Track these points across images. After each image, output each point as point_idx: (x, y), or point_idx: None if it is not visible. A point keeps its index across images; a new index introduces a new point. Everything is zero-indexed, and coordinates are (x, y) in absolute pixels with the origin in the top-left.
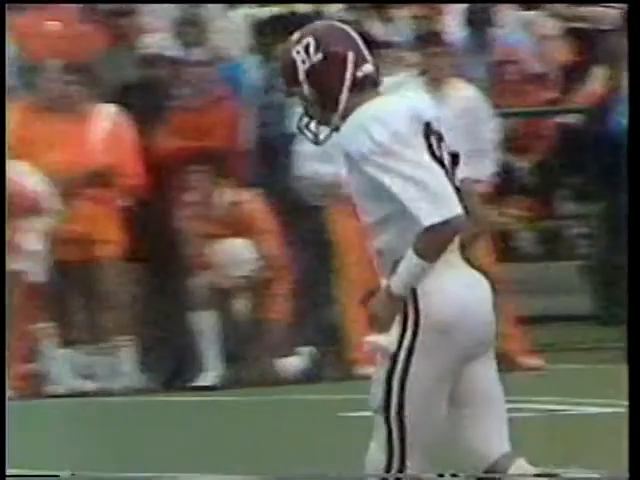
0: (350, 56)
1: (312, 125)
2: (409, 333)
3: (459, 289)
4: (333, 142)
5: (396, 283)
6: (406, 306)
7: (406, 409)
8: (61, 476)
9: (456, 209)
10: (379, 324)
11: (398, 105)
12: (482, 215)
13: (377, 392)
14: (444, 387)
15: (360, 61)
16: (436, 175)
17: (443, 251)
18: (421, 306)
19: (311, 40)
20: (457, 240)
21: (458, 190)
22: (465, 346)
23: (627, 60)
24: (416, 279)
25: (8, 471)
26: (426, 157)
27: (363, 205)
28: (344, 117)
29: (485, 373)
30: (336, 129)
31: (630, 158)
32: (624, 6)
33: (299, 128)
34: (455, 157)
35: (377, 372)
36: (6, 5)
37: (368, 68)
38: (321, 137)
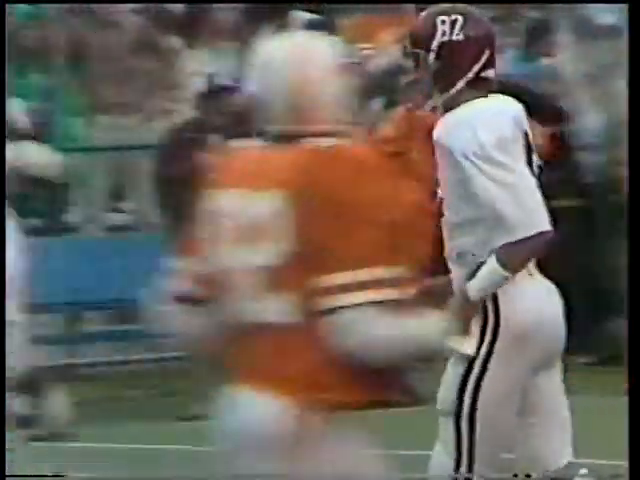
0: (486, 54)
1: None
2: (488, 338)
3: (538, 297)
4: (435, 140)
5: (474, 289)
6: (486, 311)
7: (478, 414)
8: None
9: (546, 224)
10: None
11: (505, 110)
12: None
13: (449, 395)
14: (516, 394)
15: (489, 64)
16: (531, 186)
17: (527, 264)
18: (502, 312)
19: (460, 19)
20: None
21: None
22: (540, 355)
23: (627, 60)
24: (495, 288)
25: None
26: (523, 166)
27: (452, 203)
28: (445, 103)
29: (552, 383)
30: (433, 109)
31: (630, 158)
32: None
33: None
34: (541, 169)
35: (449, 375)
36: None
37: (491, 74)
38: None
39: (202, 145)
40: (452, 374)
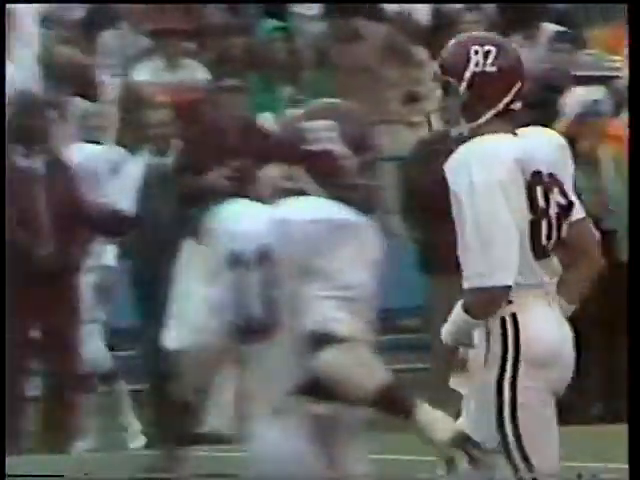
0: (517, 86)
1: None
2: (510, 366)
3: (555, 325)
4: (446, 169)
5: (445, 332)
6: (506, 339)
7: (524, 441)
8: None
9: (505, 280)
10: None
11: (508, 150)
12: (595, 258)
13: (489, 432)
14: (551, 410)
15: (519, 95)
16: (507, 240)
17: (489, 312)
18: (522, 339)
19: (494, 50)
20: (555, 277)
21: (558, 239)
22: (558, 381)
23: (627, 60)
24: (464, 333)
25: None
26: (509, 216)
27: (460, 234)
28: (471, 132)
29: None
30: (459, 135)
31: (630, 158)
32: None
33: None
34: (570, 204)
35: (479, 415)
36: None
37: (518, 106)
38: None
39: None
40: (483, 412)
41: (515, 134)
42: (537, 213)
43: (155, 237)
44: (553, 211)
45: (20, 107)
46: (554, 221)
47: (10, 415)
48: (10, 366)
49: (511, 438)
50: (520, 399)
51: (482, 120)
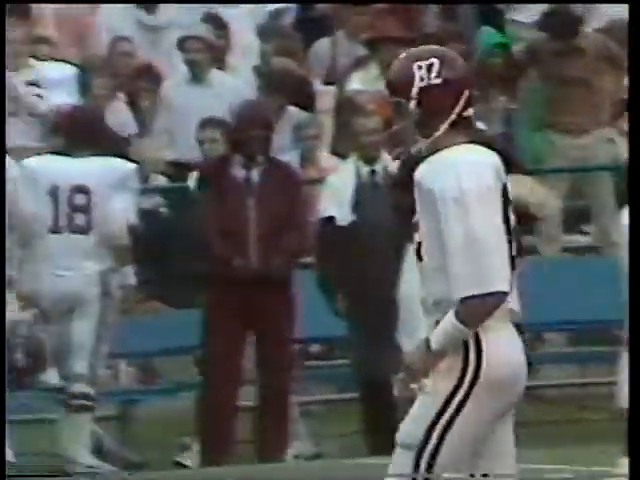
0: (465, 94)
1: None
2: (468, 380)
3: (517, 348)
4: (416, 181)
5: (435, 340)
6: (467, 354)
7: (440, 454)
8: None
9: (500, 286)
10: (412, 375)
11: (487, 160)
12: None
13: (415, 430)
14: (482, 438)
15: (469, 102)
16: (499, 246)
17: (484, 320)
18: (485, 357)
19: (436, 62)
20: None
21: (517, 254)
22: (509, 403)
23: (627, 60)
24: (455, 342)
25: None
26: (499, 222)
27: (429, 248)
28: (431, 148)
29: (506, 430)
30: (418, 153)
31: (630, 159)
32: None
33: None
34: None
35: (419, 410)
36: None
37: (471, 112)
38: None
39: None
40: (423, 411)
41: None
42: (508, 224)
43: (368, 245)
44: (514, 223)
45: (243, 117)
46: (514, 234)
47: (223, 424)
48: (223, 376)
49: (431, 445)
50: (460, 419)
51: (438, 133)
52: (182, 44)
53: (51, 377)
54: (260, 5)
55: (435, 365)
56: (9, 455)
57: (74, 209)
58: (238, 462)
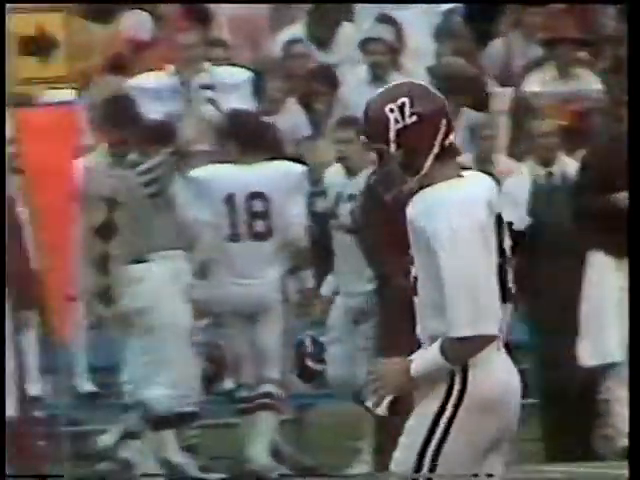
0: (443, 123)
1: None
2: (452, 403)
3: (504, 371)
4: (409, 217)
5: (415, 367)
6: (453, 376)
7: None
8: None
9: (492, 329)
10: (385, 391)
11: (480, 194)
12: None
13: (408, 458)
14: (473, 463)
15: (449, 129)
16: (489, 286)
17: (467, 359)
18: (470, 379)
19: (406, 100)
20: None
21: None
22: (498, 429)
23: (627, 61)
24: (436, 373)
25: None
26: (489, 261)
27: (424, 282)
28: (422, 183)
29: (499, 464)
30: (411, 193)
31: (630, 159)
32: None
33: (370, 184)
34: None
35: (409, 437)
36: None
37: (452, 138)
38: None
39: None
40: (412, 437)
41: (461, 175)
42: (504, 255)
43: (546, 249)
44: (509, 254)
45: None
46: (509, 258)
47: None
48: None
49: (424, 470)
50: (447, 446)
51: (425, 169)
52: (364, 45)
53: (226, 382)
54: (433, 5)
55: (408, 388)
56: (176, 457)
57: (253, 216)
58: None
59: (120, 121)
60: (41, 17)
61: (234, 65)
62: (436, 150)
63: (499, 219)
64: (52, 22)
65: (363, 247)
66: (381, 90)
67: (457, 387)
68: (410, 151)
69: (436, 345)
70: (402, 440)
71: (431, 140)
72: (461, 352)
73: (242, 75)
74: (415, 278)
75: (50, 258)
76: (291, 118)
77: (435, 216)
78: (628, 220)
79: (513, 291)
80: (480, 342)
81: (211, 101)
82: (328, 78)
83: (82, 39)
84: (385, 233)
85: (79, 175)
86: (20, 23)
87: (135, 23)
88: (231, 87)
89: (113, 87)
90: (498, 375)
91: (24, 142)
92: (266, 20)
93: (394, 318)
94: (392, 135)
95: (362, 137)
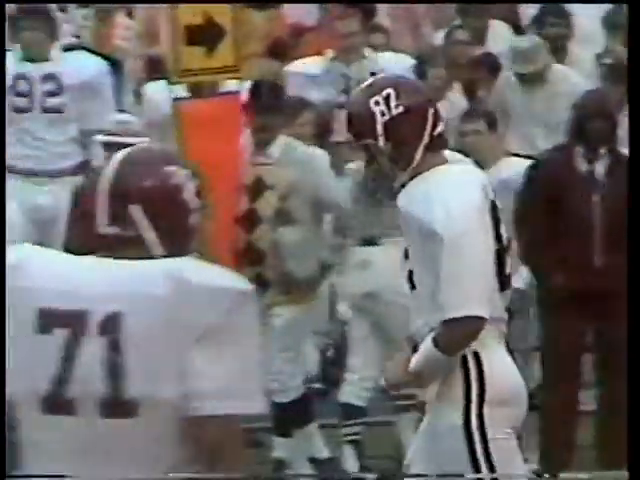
0: (430, 112)
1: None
2: (474, 407)
3: (514, 366)
4: (401, 208)
5: (415, 362)
6: (468, 378)
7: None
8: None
9: (480, 311)
10: (387, 386)
11: (473, 179)
12: None
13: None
14: (515, 442)
15: (437, 119)
16: (484, 270)
17: (460, 349)
18: (486, 376)
19: (392, 92)
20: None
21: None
22: (517, 419)
23: (627, 60)
24: (432, 367)
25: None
26: (486, 245)
27: (420, 274)
28: (412, 175)
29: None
30: (403, 186)
31: (630, 158)
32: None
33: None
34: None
35: (448, 452)
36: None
37: (441, 127)
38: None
39: None
40: (451, 451)
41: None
42: (501, 242)
43: None
44: (505, 244)
45: (586, 107)
46: (507, 248)
47: (564, 428)
48: (563, 375)
49: (485, 471)
50: (490, 437)
51: (416, 161)
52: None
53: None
54: None
55: (413, 384)
56: (323, 452)
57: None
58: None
59: (267, 106)
60: (209, 6)
61: (394, 52)
62: (426, 141)
63: (494, 206)
64: (220, 11)
65: (521, 242)
66: (363, 85)
67: (475, 390)
68: (399, 143)
69: (429, 336)
70: (423, 446)
71: (420, 131)
72: (451, 337)
73: (405, 62)
74: (410, 271)
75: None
76: (454, 106)
77: (430, 200)
78: (628, 220)
79: (511, 278)
80: (469, 325)
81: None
82: (490, 65)
83: (247, 28)
84: (545, 227)
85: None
86: (187, 12)
87: (301, 8)
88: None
89: (272, 71)
90: (513, 371)
91: (191, 134)
92: (426, 7)
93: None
94: (380, 128)
95: (348, 134)
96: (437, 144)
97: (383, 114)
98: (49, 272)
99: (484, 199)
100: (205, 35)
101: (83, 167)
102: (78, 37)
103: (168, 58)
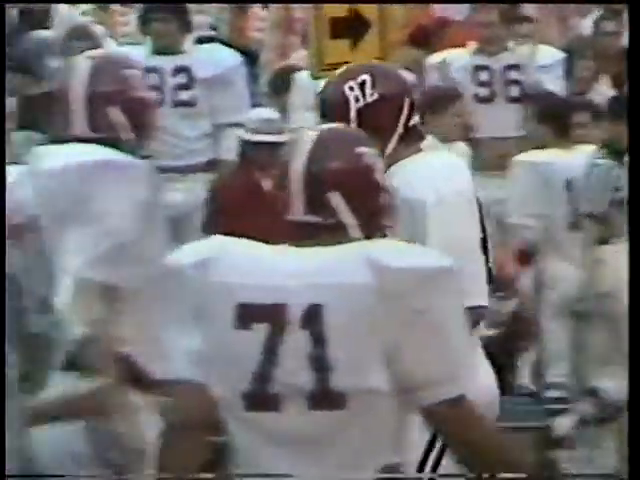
0: (406, 103)
1: None
2: None
3: (491, 371)
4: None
5: None
6: None
7: None
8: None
9: (482, 300)
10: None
11: (460, 161)
12: None
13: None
14: None
15: (413, 110)
16: (479, 256)
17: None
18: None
19: (367, 78)
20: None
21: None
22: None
23: (627, 60)
24: None
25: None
26: (477, 229)
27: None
28: (386, 165)
29: None
30: None
31: (630, 158)
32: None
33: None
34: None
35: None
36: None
37: (416, 120)
38: None
39: None
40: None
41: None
42: (485, 231)
43: None
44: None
45: None
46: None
47: None
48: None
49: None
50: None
51: (389, 150)
52: None
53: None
54: None
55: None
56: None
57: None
58: None
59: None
60: None
61: (541, 43)
62: (400, 131)
63: (477, 199)
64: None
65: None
66: (340, 70)
67: None
68: (372, 131)
69: None
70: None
71: (394, 120)
72: None
73: (555, 55)
74: None
75: None
76: (602, 99)
77: (419, 183)
78: (628, 219)
79: (493, 272)
80: (471, 315)
81: (516, 82)
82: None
83: (392, 19)
84: None
85: None
86: (332, 5)
87: (451, 8)
88: (545, 68)
89: (411, 59)
90: (491, 374)
91: None
92: None
93: None
94: (353, 114)
95: (319, 120)
96: (412, 136)
97: (357, 100)
98: (245, 265)
99: (470, 184)
100: (350, 28)
101: (214, 164)
102: (215, 29)
103: (311, 51)
